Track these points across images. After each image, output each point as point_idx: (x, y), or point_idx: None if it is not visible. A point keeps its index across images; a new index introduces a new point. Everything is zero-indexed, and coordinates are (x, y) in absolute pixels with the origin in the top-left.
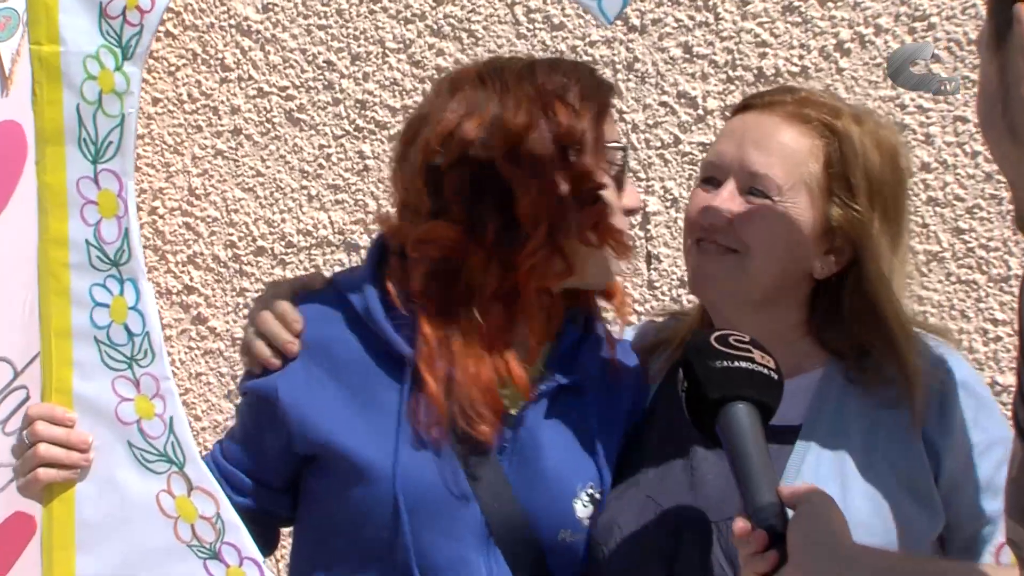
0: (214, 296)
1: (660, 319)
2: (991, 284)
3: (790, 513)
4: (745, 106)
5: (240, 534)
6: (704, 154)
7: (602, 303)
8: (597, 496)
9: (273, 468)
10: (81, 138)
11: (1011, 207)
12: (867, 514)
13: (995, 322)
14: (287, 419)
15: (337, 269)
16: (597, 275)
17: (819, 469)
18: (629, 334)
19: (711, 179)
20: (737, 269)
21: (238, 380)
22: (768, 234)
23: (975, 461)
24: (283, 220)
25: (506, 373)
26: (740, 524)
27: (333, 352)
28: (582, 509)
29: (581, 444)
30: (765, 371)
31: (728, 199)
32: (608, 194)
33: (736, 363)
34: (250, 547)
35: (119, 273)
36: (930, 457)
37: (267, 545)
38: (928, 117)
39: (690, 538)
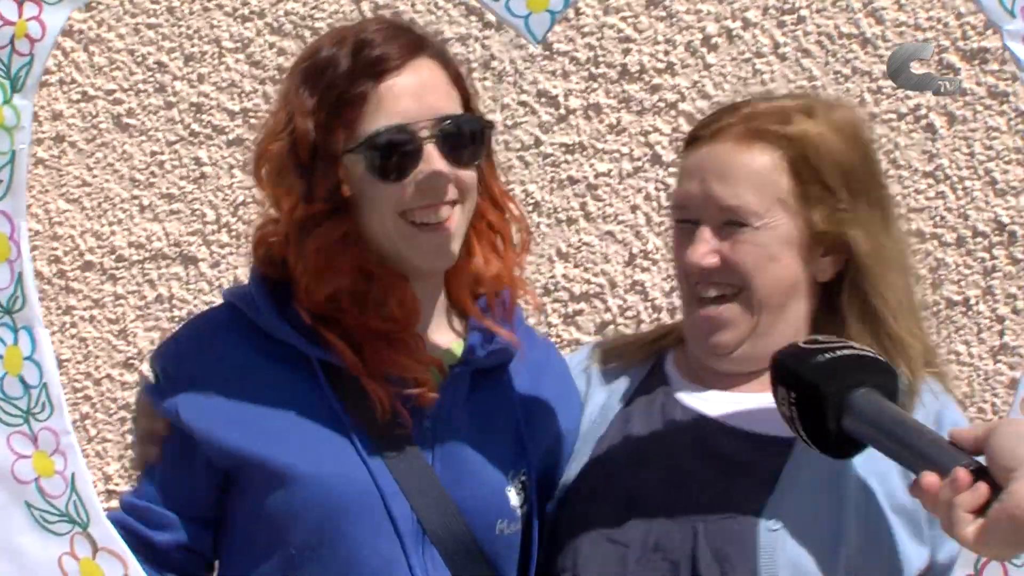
0: None
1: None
2: None
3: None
4: (693, 139)
5: None
6: (567, 155)
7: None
8: (527, 483)
9: (202, 493)
10: None
11: None
12: (861, 543)
13: None
14: (194, 435)
15: (173, 284)
16: (422, 261)
17: (815, 486)
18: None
19: (684, 220)
20: (745, 308)
21: None
22: (760, 261)
23: None
24: (112, 232)
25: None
26: (929, 477)
27: (229, 363)
28: (515, 498)
29: (507, 430)
30: (871, 354)
31: (708, 241)
32: (368, 192)
33: (840, 352)
34: None
35: (12, 321)
36: None
37: None
38: None
39: (671, 534)
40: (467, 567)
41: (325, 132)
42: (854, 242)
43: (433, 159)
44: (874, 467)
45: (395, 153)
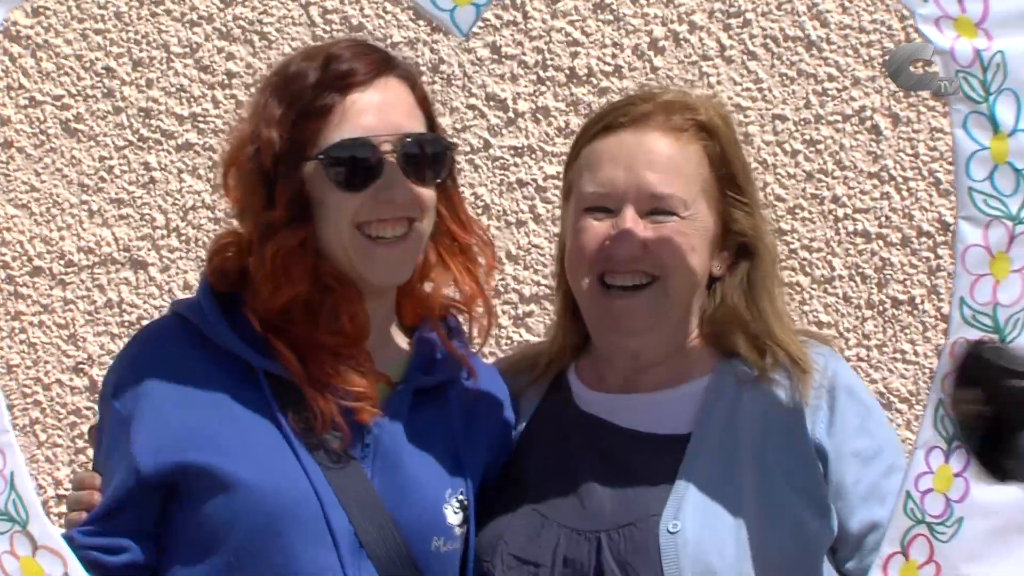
0: None
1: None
2: (815, 286)
3: None
4: (608, 127)
5: None
6: (516, 157)
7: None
8: (465, 503)
9: (140, 508)
10: None
11: (833, 206)
12: (762, 524)
13: (820, 324)
14: (131, 441)
15: (123, 288)
16: (374, 275)
17: (711, 478)
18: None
19: (601, 208)
20: (660, 296)
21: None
22: (683, 251)
23: (861, 467)
24: (62, 238)
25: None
26: None
27: (176, 371)
28: (453, 516)
29: (446, 450)
30: None
31: (634, 225)
32: (327, 202)
33: None
34: None
35: None
36: (819, 460)
37: None
38: (746, 116)
39: (579, 548)
40: None
41: (289, 141)
42: (761, 241)
43: (393, 173)
44: (771, 450)
45: (355, 164)
